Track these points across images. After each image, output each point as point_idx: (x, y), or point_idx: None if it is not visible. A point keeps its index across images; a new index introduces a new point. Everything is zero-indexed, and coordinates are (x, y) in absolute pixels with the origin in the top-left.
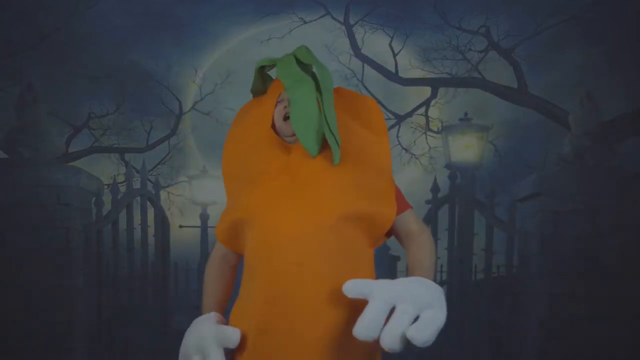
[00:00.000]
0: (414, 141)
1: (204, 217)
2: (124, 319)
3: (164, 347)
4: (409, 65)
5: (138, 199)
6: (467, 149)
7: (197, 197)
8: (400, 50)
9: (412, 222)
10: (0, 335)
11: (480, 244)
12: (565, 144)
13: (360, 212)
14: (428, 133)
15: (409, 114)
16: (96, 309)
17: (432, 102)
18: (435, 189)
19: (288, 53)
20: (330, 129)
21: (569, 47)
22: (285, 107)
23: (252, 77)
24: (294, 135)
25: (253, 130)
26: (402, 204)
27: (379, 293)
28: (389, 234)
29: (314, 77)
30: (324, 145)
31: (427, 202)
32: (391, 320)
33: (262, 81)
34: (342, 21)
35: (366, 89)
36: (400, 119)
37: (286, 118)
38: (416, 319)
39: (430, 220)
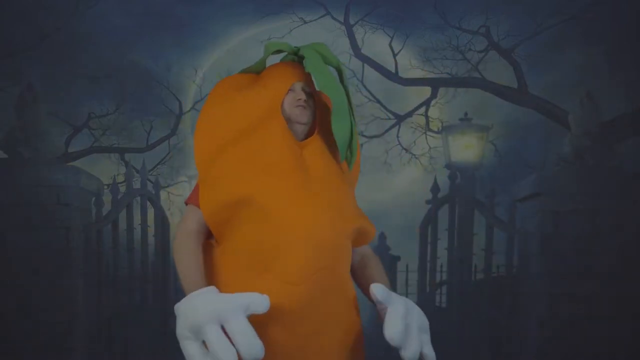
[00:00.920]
0: (414, 141)
1: None
2: (124, 319)
3: (163, 347)
4: (409, 65)
5: (138, 199)
6: (467, 149)
7: None
8: (400, 50)
9: (366, 246)
10: (0, 335)
11: (480, 244)
12: (565, 144)
13: (362, 226)
14: (428, 133)
15: (409, 114)
16: (96, 309)
17: (432, 102)
18: (435, 189)
19: (306, 46)
20: (356, 142)
21: (569, 47)
22: (299, 99)
23: None
24: (304, 123)
25: (258, 110)
26: None
27: (399, 304)
28: None
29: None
30: (331, 149)
31: (427, 202)
32: (410, 336)
33: (264, 64)
34: (342, 21)
35: (366, 89)
36: (400, 119)
37: (300, 107)
38: None
39: (430, 220)
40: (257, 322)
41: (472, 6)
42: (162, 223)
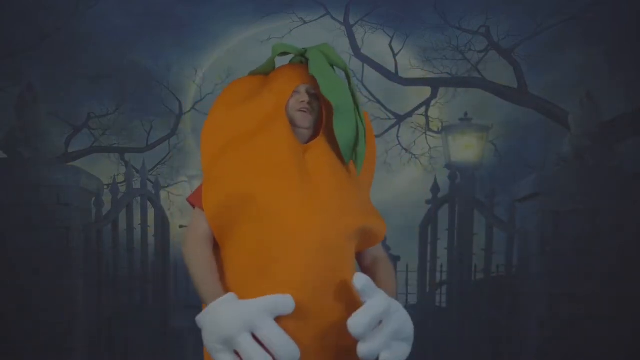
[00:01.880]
0: (414, 141)
1: None
2: (124, 319)
3: (164, 347)
4: (409, 65)
5: (138, 199)
6: (467, 149)
7: None
8: (400, 50)
9: (380, 249)
10: (0, 335)
11: (480, 244)
12: (565, 144)
13: (367, 227)
14: (428, 133)
15: (409, 114)
16: (96, 309)
17: (432, 102)
18: (435, 189)
19: (312, 48)
20: (363, 144)
21: (569, 47)
22: (303, 101)
23: None
24: (307, 128)
25: (263, 113)
26: None
27: (382, 300)
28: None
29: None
30: (335, 151)
31: (427, 202)
32: (376, 333)
33: (272, 65)
34: (342, 21)
35: (366, 89)
36: (400, 119)
37: (301, 110)
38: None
39: (430, 220)
40: None
41: (472, 6)
42: (162, 223)
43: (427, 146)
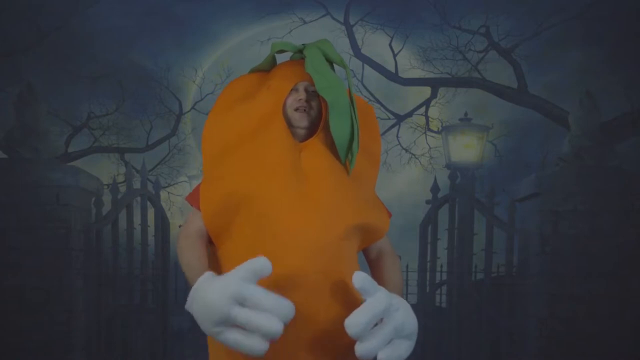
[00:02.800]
0: (414, 141)
1: None
2: (123, 319)
3: (163, 347)
4: (409, 65)
5: (138, 199)
6: (467, 149)
7: None
8: (400, 50)
9: (386, 242)
10: (0, 335)
11: (480, 244)
12: (565, 144)
13: (366, 223)
14: (428, 133)
15: (409, 114)
16: (96, 309)
17: (432, 102)
18: (435, 189)
19: (310, 44)
20: (357, 142)
21: (569, 47)
22: (300, 99)
23: None
24: (304, 128)
25: (261, 112)
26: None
27: (382, 298)
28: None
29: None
30: (332, 149)
31: (427, 202)
32: (375, 332)
33: (271, 63)
34: (342, 21)
35: (366, 89)
36: (400, 119)
37: (299, 109)
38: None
39: (430, 220)
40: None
41: (472, 6)
42: (162, 223)
43: (427, 146)
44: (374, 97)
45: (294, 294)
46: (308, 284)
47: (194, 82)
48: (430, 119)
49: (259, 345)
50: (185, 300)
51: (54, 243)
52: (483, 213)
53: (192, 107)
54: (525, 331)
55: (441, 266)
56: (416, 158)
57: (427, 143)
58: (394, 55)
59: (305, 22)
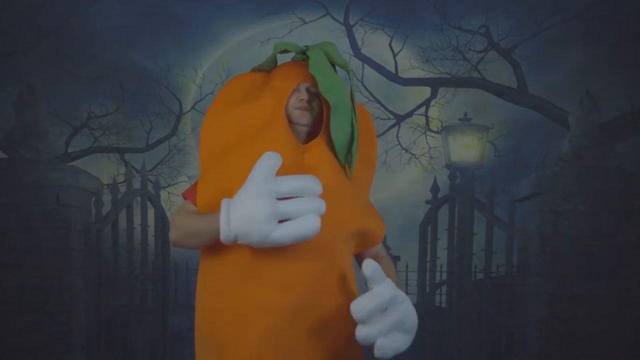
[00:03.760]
0: (414, 141)
1: None
2: (123, 319)
3: (163, 347)
4: (409, 65)
5: (138, 199)
6: (467, 149)
7: None
8: (400, 50)
9: (381, 248)
10: (0, 335)
11: (480, 244)
12: (565, 144)
13: (364, 228)
14: (428, 133)
15: (409, 114)
16: (96, 309)
17: (432, 102)
18: (435, 189)
19: (314, 46)
20: (356, 146)
21: (569, 47)
22: (302, 100)
23: None
24: (305, 125)
25: (263, 112)
26: None
27: (389, 288)
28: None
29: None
30: (334, 152)
31: (427, 202)
32: (378, 319)
33: (273, 63)
34: (342, 21)
35: (366, 89)
36: (400, 119)
37: (300, 108)
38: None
39: (430, 220)
40: (250, 327)
41: (472, 6)
42: (162, 223)
43: (427, 146)
44: (374, 97)
45: (288, 293)
46: (303, 286)
47: (194, 82)
48: (430, 119)
49: (314, 220)
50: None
51: (54, 243)
52: (483, 213)
53: (192, 107)
54: (525, 331)
55: (441, 266)
56: (416, 158)
57: (427, 143)
58: (394, 55)
59: (305, 22)
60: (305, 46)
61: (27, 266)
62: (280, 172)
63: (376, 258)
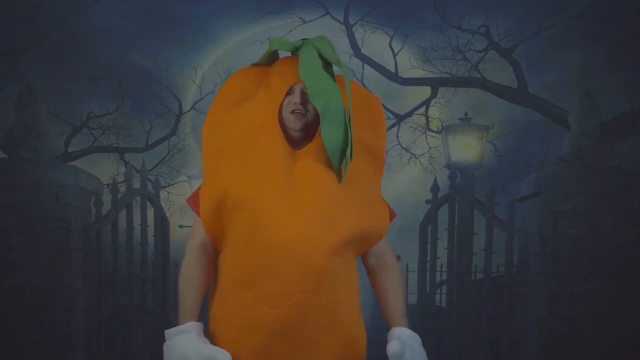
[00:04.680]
0: (414, 141)
1: None
2: (123, 319)
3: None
4: (409, 65)
5: (138, 199)
6: (467, 149)
7: None
8: (400, 50)
9: (384, 245)
10: (0, 335)
11: (480, 244)
12: (565, 144)
13: (362, 230)
14: (428, 133)
15: (409, 114)
16: (96, 309)
17: (432, 102)
18: (435, 189)
19: (307, 42)
20: (351, 149)
21: (569, 47)
22: (296, 103)
23: None
24: (298, 131)
25: (259, 112)
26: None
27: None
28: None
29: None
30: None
31: (427, 202)
32: None
33: (270, 59)
34: (342, 21)
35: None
36: (400, 119)
37: (294, 112)
38: None
39: (430, 220)
40: (238, 342)
41: (472, 6)
42: (162, 223)
43: (427, 146)
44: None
45: (275, 311)
46: (291, 303)
47: (194, 82)
48: (430, 119)
49: None
50: None
51: (54, 243)
52: (483, 213)
53: (192, 107)
54: (525, 331)
55: (441, 266)
56: (416, 158)
57: (427, 143)
58: (394, 55)
59: (305, 22)
60: (302, 42)
61: (27, 266)
62: (272, 183)
63: (379, 259)
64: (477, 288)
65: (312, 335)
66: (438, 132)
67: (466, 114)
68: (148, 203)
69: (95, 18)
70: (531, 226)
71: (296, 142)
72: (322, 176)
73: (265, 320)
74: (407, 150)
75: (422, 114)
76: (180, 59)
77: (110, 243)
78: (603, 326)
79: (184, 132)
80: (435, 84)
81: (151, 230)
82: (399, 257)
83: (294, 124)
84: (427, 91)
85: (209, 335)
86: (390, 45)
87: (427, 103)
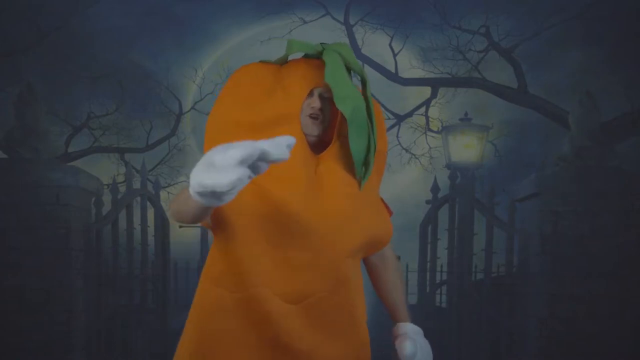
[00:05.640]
0: (414, 141)
1: None
2: (123, 319)
3: (163, 347)
4: (409, 65)
5: (138, 199)
6: (467, 149)
7: None
8: (400, 50)
9: (387, 247)
10: (0, 335)
11: (480, 244)
12: (565, 144)
13: (372, 237)
14: (428, 133)
15: (409, 114)
16: (96, 309)
17: (432, 102)
18: (435, 189)
19: (330, 48)
20: (373, 155)
21: (570, 47)
22: (314, 107)
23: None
24: (314, 136)
25: (275, 113)
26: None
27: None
28: None
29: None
30: (346, 160)
31: (427, 202)
32: None
33: (282, 59)
34: (342, 21)
35: None
36: (400, 119)
37: (312, 116)
38: None
39: (430, 220)
40: (254, 341)
41: (472, 6)
42: (162, 223)
43: (427, 146)
44: (374, 97)
45: (296, 307)
46: (309, 302)
47: (194, 82)
48: (430, 119)
49: (284, 150)
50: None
51: (54, 243)
52: (483, 213)
53: (192, 107)
54: (525, 331)
55: (441, 266)
56: (416, 158)
57: (427, 143)
58: (394, 55)
59: (305, 22)
60: (322, 45)
61: (27, 266)
62: (294, 184)
63: (383, 260)
64: (477, 288)
65: (330, 334)
66: (438, 132)
67: (466, 114)
68: (148, 203)
69: (95, 18)
70: (531, 226)
71: (311, 146)
72: (345, 179)
73: (285, 315)
74: (407, 150)
75: (422, 114)
76: (180, 59)
77: (110, 243)
78: (603, 326)
79: (184, 132)
80: (435, 84)
81: (151, 230)
82: (398, 257)
83: (311, 129)
84: (427, 91)
85: (200, 320)
86: (390, 45)
87: (427, 103)
